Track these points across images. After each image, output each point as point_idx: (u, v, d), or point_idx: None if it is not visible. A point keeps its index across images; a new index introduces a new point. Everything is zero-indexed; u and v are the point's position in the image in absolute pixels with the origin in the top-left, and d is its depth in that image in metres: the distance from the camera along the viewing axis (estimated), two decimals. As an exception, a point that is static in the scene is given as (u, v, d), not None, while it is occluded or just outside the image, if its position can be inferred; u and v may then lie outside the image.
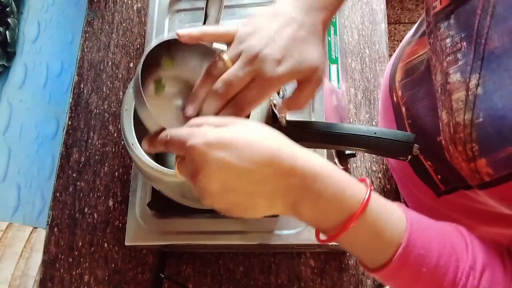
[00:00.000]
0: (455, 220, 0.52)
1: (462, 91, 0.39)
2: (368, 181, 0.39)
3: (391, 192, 0.72)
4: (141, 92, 0.42)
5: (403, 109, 0.55)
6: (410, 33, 0.62)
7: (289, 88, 0.64)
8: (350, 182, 0.37)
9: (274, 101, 0.52)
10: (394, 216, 0.38)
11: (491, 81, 0.36)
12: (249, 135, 0.37)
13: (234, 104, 0.44)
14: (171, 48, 0.47)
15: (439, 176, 0.51)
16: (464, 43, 0.39)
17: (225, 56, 0.44)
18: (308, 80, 0.45)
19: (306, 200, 0.37)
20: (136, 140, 0.52)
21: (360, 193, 0.37)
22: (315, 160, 0.37)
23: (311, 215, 0.38)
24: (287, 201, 0.37)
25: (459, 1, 0.39)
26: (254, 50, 0.42)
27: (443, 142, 0.43)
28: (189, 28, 0.45)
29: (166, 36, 0.46)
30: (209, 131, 0.38)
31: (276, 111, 0.51)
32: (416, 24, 0.60)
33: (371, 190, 0.37)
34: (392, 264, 0.36)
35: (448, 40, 0.41)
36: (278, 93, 0.63)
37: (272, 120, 0.51)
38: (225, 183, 0.36)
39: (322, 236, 0.39)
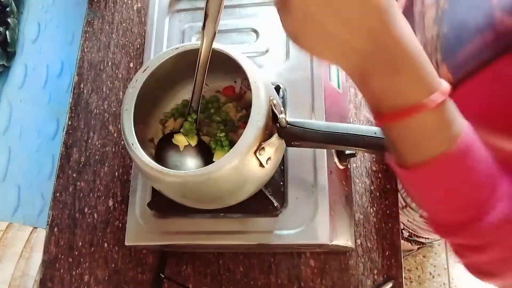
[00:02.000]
0: None
1: (433, 9, 0.41)
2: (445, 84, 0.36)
3: (391, 192, 0.72)
4: None
5: None
6: None
7: (289, 88, 0.65)
8: (433, 72, 0.34)
9: (274, 101, 0.52)
10: (460, 117, 0.36)
11: None
12: None
13: None
14: None
15: None
16: None
17: None
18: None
19: (379, 73, 0.34)
20: (136, 140, 0.52)
21: (440, 85, 0.34)
22: (408, 37, 0.33)
23: (377, 89, 0.35)
24: (358, 65, 0.34)
25: None
26: None
27: None
28: None
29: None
30: None
31: (276, 111, 0.51)
32: None
33: (450, 88, 0.35)
34: (448, 154, 0.34)
35: None
36: (278, 93, 0.63)
37: (272, 120, 0.51)
38: (318, 20, 0.32)
39: (379, 116, 0.36)
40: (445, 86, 0.34)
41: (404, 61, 0.33)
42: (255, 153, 0.49)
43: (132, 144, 0.52)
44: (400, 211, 0.88)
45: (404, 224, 1.05)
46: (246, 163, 0.50)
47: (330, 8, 0.32)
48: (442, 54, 0.40)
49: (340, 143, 0.49)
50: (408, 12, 0.50)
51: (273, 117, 0.51)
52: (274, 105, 0.51)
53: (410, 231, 1.14)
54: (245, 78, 0.52)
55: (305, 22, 0.33)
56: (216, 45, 0.54)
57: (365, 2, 0.32)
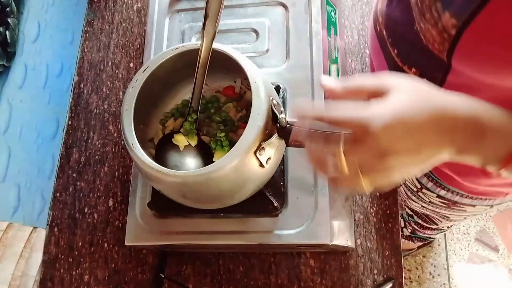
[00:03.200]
0: None
1: None
2: None
3: (391, 192, 0.72)
4: None
5: (385, 33, 0.57)
6: None
7: (289, 88, 0.65)
8: (506, 112, 0.40)
9: (274, 101, 0.52)
10: None
11: None
12: (412, 100, 0.39)
13: None
14: None
15: (425, 80, 0.52)
16: None
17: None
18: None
19: (470, 145, 0.40)
20: (136, 140, 0.52)
21: None
22: (473, 106, 0.40)
23: (477, 155, 0.41)
24: (451, 151, 0.40)
25: None
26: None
27: (416, 24, 0.47)
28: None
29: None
30: (379, 108, 0.38)
31: (276, 111, 0.51)
32: None
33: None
34: None
35: None
36: (278, 93, 0.63)
37: (272, 120, 0.51)
38: (406, 158, 0.39)
39: (491, 168, 0.42)
40: None
41: (481, 124, 0.39)
42: (255, 153, 0.49)
43: (132, 144, 0.52)
44: (413, 196, 0.87)
45: (413, 213, 1.04)
46: (246, 163, 0.50)
47: (411, 139, 0.38)
48: (441, 1, 0.42)
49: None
50: None
51: (273, 117, 0.51)
52: (274, 105, 0.51)
53: (414, 226, 1.14)
54: (245, 78, 0.52)
55: (400, 162, 0.39)
56: (216, 45, 0.54)
57: (428, 117, 0.38)
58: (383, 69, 0.60)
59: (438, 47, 0.44)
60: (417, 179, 0.80)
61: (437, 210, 0.87)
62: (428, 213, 0.95)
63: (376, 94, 0.40)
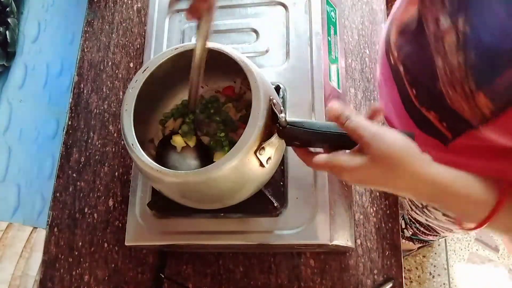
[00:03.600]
0: (464, 165, 0.54)
1: (453, 33, 0.41)
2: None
3: (391, 192, 0.72)
4: None
5: (401, 68, 0.55)
6: None
7: (289, 88, 0.65)
8: (476, 186, 0.44)
9: (274, 101, 0.51)
10: None
11: (477, 20, 0.39)
12: (380, 168, 0.44)
13: None
14: None
15: (444, 124, 0.51)
16: None
17: None
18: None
19: (437, 205, 0.46)
20: (136, 140, 0.52)
21: (489, 190, 0.43)
22: (440, 176, 0.44)
23: (449, 211, 0.46)
24: (422, 201, 0.46)
25: None
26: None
27: (442, 88, 0.45)
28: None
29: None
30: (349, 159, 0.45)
31: (276, 111, 0.51)
32: None
33: (504, 186, 0.43)
34: None
35: None
36: (278, 93, 0.63)
37: (272, 120, 0.51)
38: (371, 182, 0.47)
39: (467, 226, 0.46)
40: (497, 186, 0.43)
41: (444, 191, 0.44)
42: (255, 153, 0.49)
43: (132, 145, 0.52)
44: (418, 211, 0.87)
45: (416, 222, 1.04)
46: (246, 163, 0.50)
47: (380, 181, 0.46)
48: (475, 82, 0.40)
49: (340, 143, 0.48)
50: (419, 32, 0.49)
51: (273, 117, 0.51)
52: (274, 105, 0.51)
53: (416, 231, 1.14)
54: (245, 78, 0.52)
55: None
56: (216, 45, 0.54)
57: (391, 180, 0.45)
58: (395, 99, 0.59)
59: (468, 116, 0.43)
60: None
61: (442, 224, 0.87)
62: (432, 225, 0.95)
63: (359, 142, 0.45)
